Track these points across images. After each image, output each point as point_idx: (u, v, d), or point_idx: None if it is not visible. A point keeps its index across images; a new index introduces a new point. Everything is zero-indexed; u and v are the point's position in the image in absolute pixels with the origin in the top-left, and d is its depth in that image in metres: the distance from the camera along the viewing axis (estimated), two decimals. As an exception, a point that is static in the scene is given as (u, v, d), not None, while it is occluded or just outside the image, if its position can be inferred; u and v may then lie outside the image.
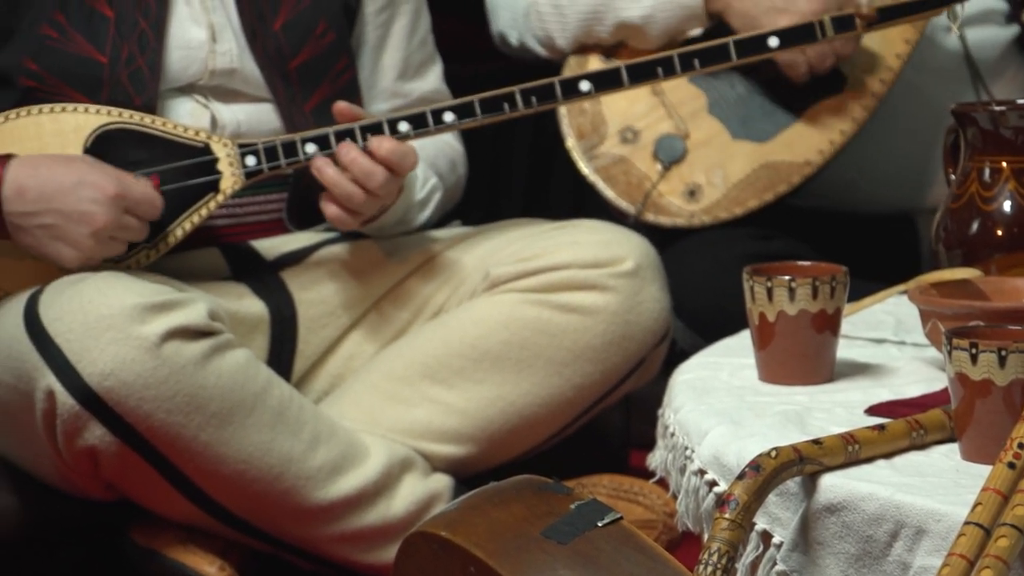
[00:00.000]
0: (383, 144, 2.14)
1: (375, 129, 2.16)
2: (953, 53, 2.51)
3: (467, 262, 2.30)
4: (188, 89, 2.22)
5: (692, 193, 2.48)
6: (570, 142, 2.53)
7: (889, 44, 2.49)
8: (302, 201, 2.28)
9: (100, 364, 2.00)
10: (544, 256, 2.24)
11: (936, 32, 2.53)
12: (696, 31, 2.48)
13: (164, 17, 2.18)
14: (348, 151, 2.14)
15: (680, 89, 2.51)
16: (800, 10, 2.38)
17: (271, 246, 2.28)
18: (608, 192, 2.50)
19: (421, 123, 2.17)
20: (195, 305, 2.06)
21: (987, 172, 1.86)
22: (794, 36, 2.28)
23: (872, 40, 2.48)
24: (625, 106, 2.51)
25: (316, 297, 2.27)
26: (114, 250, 2.10)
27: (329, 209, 2.18)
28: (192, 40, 2.20)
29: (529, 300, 2.22)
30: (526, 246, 2.26)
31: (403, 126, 2.17)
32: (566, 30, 2.53)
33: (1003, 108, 1.85)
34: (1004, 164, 1.86)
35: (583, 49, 2.55)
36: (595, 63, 2.53)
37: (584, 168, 2.52)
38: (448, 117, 2.18)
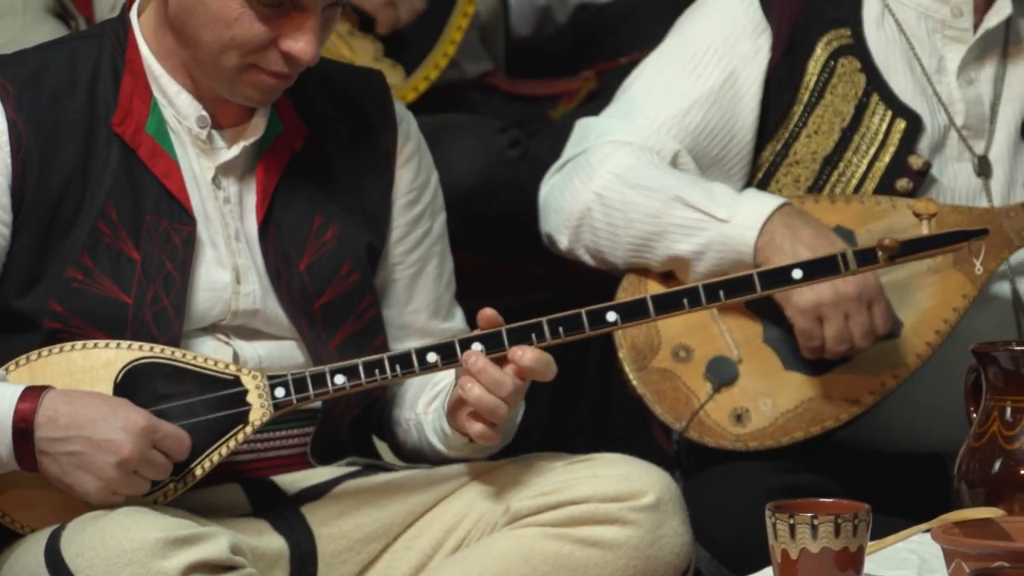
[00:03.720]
0: (526, 354, 2.16)
1: (403, 361, 2.18)
2: (1003, 301, 2.53)
3: (488, 496, 2.29)
4: (211, 328, 2.24)
5: (739, 417, 2.49)
6: (622, 353, 2.53)
7: (948, 299, 2.49)
8: (326, 436, 2.28)
9: (121, 601, 1.99)
10: (564, 490, 2.23)
11: (990, 281, 2.52)
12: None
13: (190, 260, 2.20)
14: (476, 360, 2.15)
15: (738, 315, 2.52)
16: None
17: (292, 480, 2.28)
18: (655, 407, 2.51)
19: (450, 354, 2.19)
20: (217, 539, 2.05)
21: (1008, 412, 1.88)
22: (817, 268, 2.29)
23: (930, 292, 2.48)
24: (680, 324, 2.51)
25: (336, 532, 2.27)
26: (137, 488, 2.11)
27: (475, 427, 2.18)
28: (217, 282, 2.23)
29: (550, 534, 2.22)
30: (546, 479, 2.26)
31: (431, 356, 2.19)
32: (617, 250, 2.55)
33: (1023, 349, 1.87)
34: (1026, 404, 1.88)
35: (641, 270, 2.56)
36: (654, 286, 2.53)
37: (633, 380, 2.52)
38: (476, 347, 2.19)
